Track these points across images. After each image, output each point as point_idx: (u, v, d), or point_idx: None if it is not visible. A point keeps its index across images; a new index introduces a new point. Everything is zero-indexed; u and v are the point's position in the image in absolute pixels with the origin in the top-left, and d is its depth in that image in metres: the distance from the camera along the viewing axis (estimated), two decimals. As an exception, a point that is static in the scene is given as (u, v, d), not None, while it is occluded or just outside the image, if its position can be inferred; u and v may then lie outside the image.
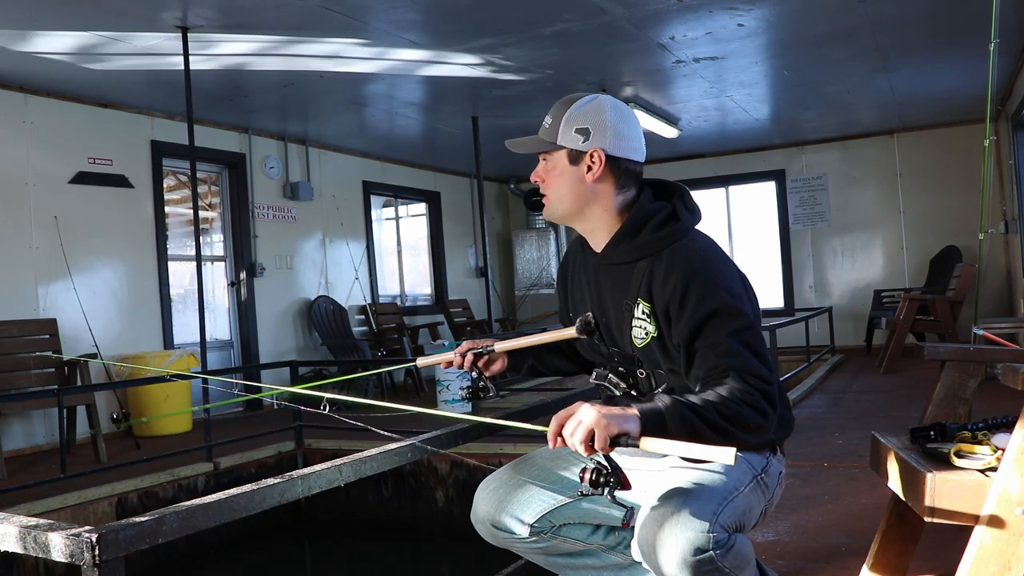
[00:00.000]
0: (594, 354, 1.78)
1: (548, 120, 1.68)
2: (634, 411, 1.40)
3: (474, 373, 1.81)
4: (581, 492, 1.42)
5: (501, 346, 1.81)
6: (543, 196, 1.72)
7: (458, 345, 1.84)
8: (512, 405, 5.98)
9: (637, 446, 1.36)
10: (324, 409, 1.81)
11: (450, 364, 1.85)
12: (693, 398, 1.44)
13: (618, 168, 1.65)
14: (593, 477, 1.39)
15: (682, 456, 1.35)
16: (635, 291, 1.62)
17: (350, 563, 5.47)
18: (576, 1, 4.81)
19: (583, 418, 1.37)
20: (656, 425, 1.39)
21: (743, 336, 1.49)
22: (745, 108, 7.90)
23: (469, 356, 1.81)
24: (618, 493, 1.39)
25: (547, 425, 1.43)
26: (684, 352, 1.54)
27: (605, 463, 1.40)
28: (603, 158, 1.63)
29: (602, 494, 1.39)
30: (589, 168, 1.64)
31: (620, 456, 1.77)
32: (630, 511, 1.43)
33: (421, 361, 1.93)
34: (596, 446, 1.36)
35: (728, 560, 1.41)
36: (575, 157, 1.65)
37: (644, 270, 1.61)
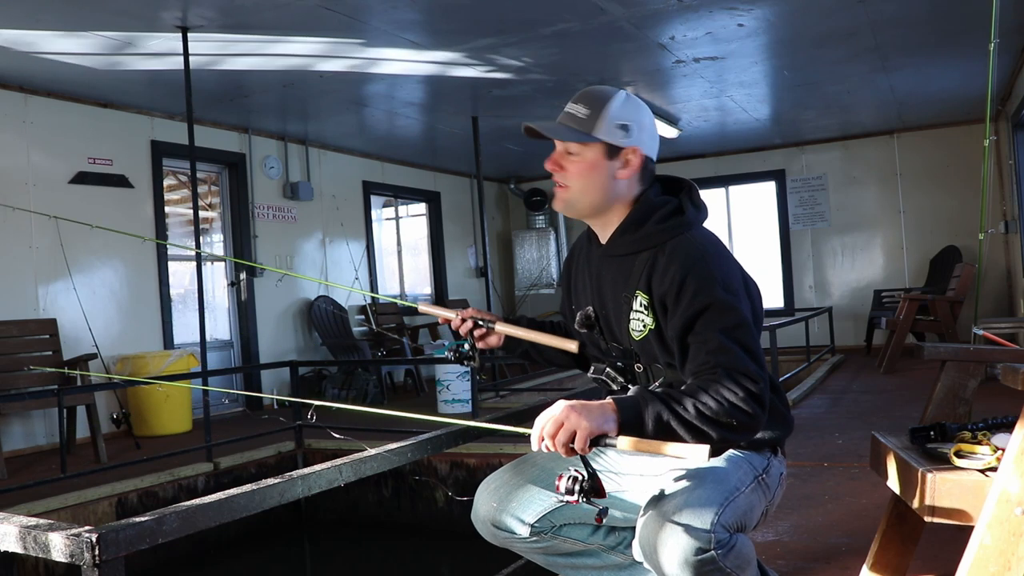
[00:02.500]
0: (594, 349, 1.77)
1: (583, 110, 1.61)
2: (613, 410, 1.40)
3: (468, 340, 1.82)
4: (558, 500, 1.43)
5: (501, 328, 1.82)
6: (560, 186, 1.66)
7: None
8: (511, 406, 5.99)
9: (615, 446, 1.38)
10: (311, 418, 1.83)
11: (448, 321, 1.85)
12: (677, 396, 1.43)
13: (645, 168, 1.66)
14: (569, 484, 1.40)
15: (659, 453, 1.37)
16: (635, 283, 1.61)
17: (350, 563, 5.47)
18: (576, 1, 4.81)
19: (564, 420, 1.38)
20: (635, 424, 1.40)
21: (735, 333, 1.48)
22: (745, 108, 7.90)
23: (468, 324, 1.82)
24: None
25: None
26: (677, 346, 1.54)
27: (582, 472, 1.41)
28: (642, 157, 1.63)
29: (577, 501, 1.40)
30: (624, 165, 1.62)
31: (621, 456, 1.77)
32: (604, 509, 1.44)
33: (422, 307, 1.95)
34: (576, 447, 1.37)
35: (729, 560, 1.41)
36: (613, 152, 1.62)
37: (646, 262, 1.61)
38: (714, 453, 1.60)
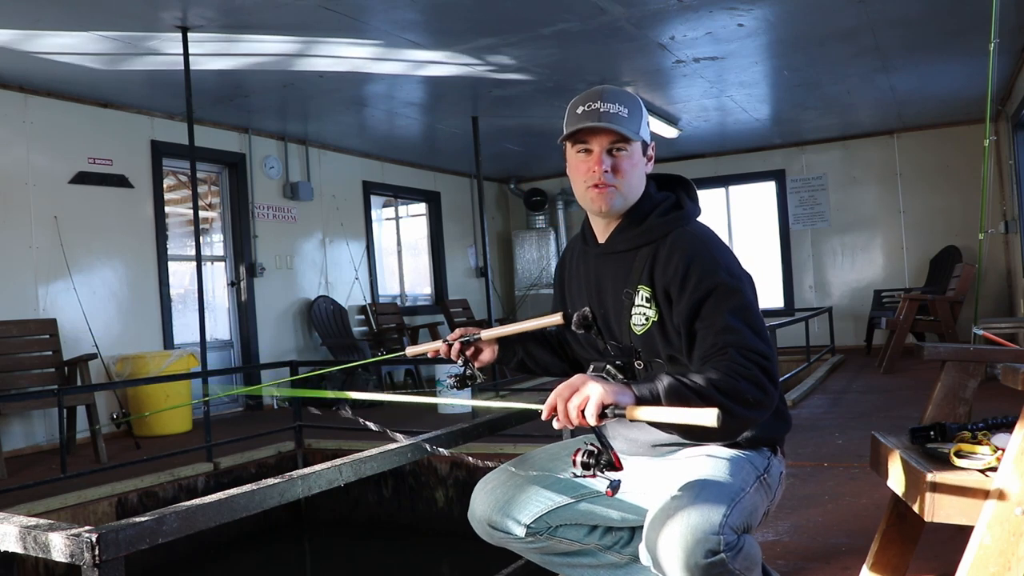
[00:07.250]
0: (590, 349, 1.78)
1: (623, 110, 1.61)
2: (629, 386, 1.41)
3: (461, 362, 1.82)
4: (573, 474, 1.44)
5: (487, 334, 1.81)
6: (606, 185, 1.62)
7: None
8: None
9: (624, 415, 1.37)
10: (347, 412, 1.82)
11: (437, 353, 1.84)
12: (691, 375, 1.44)
13: None
14: (584, 459, 1.42)
15: (668, 423, 1.36)
16: (636, 278, 1.64)
17: (350, 563, 5.47)
18: (576, 1, 4.81)
19: (580, 385, 1.39)
20: (651, 401, 1.41)
21: (742, 314, 1.51)
22: (745, 108, 7.90)
23: (456, 346, 1.81)
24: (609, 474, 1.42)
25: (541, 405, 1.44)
26: (685, 334, 1.56)
27: (597, 444, 1.43)
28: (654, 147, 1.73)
29: (593, 475, 1.42)
30: (648, 160, 1.71)
31: (625, 458, 1.77)
32: (616, 483, 1.43)
33: (410, 350, 1.93)
34: (588, 412, 1.37)
35: (738, 562, 1.41)
36: (644, 149, 1.69)
37: (647, 256, 1.63)
38: (723, 438, 1.60)
